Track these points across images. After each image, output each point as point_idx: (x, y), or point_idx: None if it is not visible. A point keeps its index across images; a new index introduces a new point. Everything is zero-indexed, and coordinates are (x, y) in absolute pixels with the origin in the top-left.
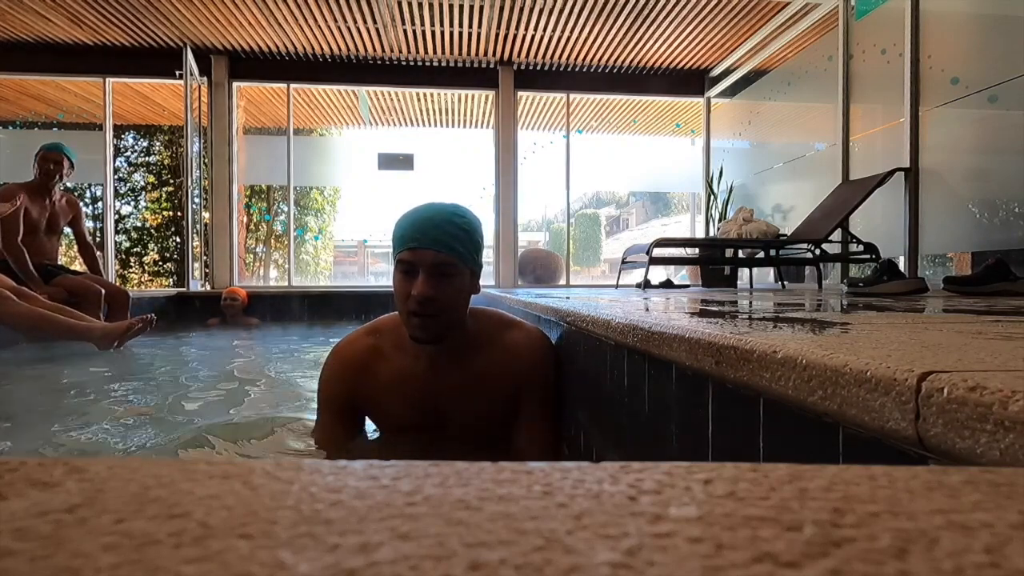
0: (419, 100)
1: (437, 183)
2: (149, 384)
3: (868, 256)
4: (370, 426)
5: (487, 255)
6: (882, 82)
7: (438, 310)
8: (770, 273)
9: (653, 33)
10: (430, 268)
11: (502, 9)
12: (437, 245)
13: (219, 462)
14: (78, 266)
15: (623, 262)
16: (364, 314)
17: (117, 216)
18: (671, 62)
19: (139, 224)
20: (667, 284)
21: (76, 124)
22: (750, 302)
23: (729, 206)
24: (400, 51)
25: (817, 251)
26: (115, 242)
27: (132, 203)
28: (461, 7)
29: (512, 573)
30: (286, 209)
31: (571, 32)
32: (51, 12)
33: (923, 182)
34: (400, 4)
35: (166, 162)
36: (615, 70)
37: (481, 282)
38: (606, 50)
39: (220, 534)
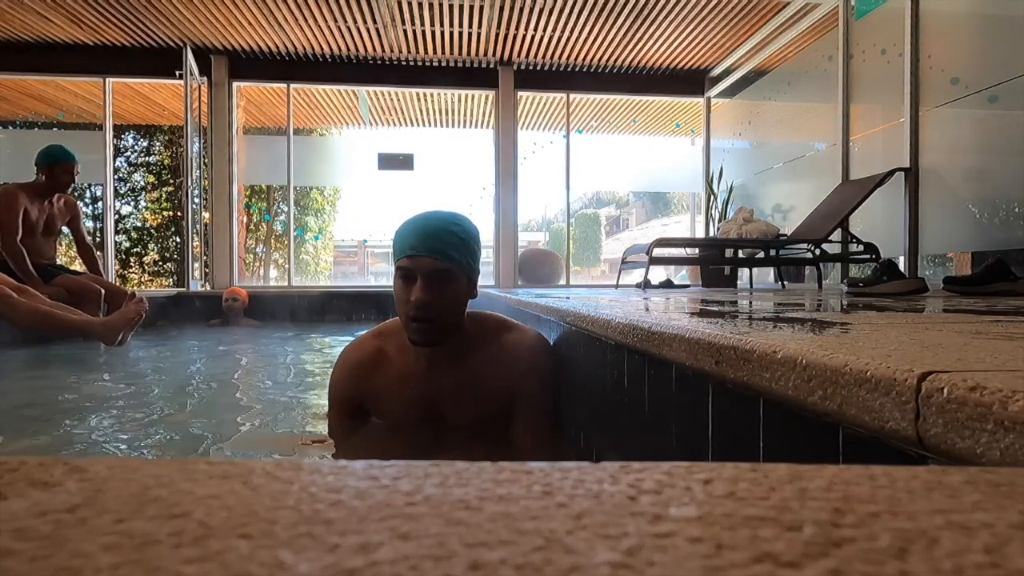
0: (419, 100)
1: (437, 183)
2: (149, 384)
3: (868, 256)
4: None
5: (487, 255)
6: (882, 82)
7: (435, 315)
8: (770, 273)
9: (653, 33)
10: (427, 275)
11: (502, 9)
12: (434, 253)
13: (219, 462)
14: (78, 266)
15: (623, 262)
16: (364, 314)
17: (117, 216)
18: (671, 62)
19: (139, 224)
20: (667, 284)
21: (76, 124)
22: (750, 302)
23: (729, 206)
24: (400, 51)
25: (817, 251)
26: (115, 242)
27: (132, 203)
28: (461, 7)
29: (512, 573)
30: (286, 209)
31: (571, 32)
32: (51, 12)
33: (923, 182)
34: (400, 4)
35: (166, 162)
36: (615, 70)
37: (481, 282)
38: (606, 50)
39: (220, 534)
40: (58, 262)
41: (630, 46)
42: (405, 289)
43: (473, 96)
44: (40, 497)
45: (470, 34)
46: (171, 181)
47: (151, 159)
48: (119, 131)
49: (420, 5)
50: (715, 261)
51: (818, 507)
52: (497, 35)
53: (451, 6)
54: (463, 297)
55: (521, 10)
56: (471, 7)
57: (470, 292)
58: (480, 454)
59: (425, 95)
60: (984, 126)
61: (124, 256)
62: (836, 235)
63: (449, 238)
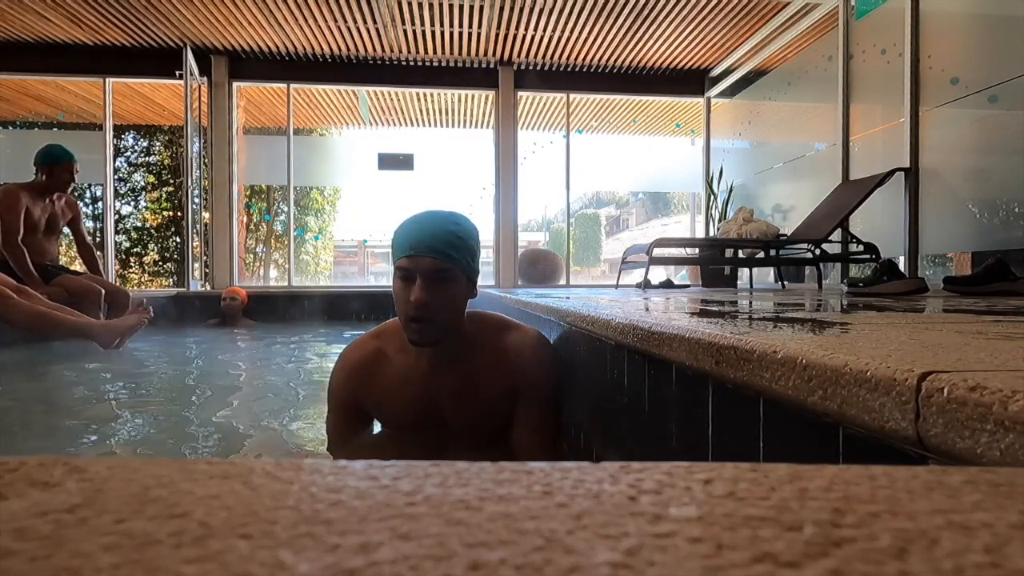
0: (419, 100)
1: (437, 183)
2: (148, 384)
3: (868, 256)
4: (377, 427)
5: (487, 255)
6: (882, 82)
7: (434, 315)
8: (770, 273)
9: (653, 33)
10: (426, 274)
11: (502, 9)
12: (433, 252)
13: (219, 462)
14: (78, 266)
15: (623, 262)
16: (364, 314)
17: (117, 216)
18: (671, 62)
19: (139, 224)
20: (667, 284)
21: (76, 124)
22: (750, 302)
23: (729, 206)
24: (400, 51)
25: (817, 251)
26: (115, 242)
27: (132, 203)
28: (461, 7)
29: (512, 573)
30: (286, 209)
31: (571, 32)
32: (51, 12)
33: (923, 182)
34: (400, 4)
35: (166, 162)
36: (615, 70)
37: (481, 282)
38: (606, 50)
39: (220, 534)
40: (59, 262)
41: (630, 46)
42: (404, 289)
43: (473, 96)
44: (40, 497)
45: (470, 34)
46: (171, 181)
47: (151, 159)
48: (119, 131)
49: (420, 5)
50: (715, 261)
51: (818, 507)
52: (497, 35)
53: (451, 6)
54: (463, 297)
55: (521, 10)
56: (471, 7)
57: (470, 292)
58: (481, 454)
59: (425, 95)
60: (984, 126)
61: (124, 256)
62: (836, 235)
63: (448, 238)
